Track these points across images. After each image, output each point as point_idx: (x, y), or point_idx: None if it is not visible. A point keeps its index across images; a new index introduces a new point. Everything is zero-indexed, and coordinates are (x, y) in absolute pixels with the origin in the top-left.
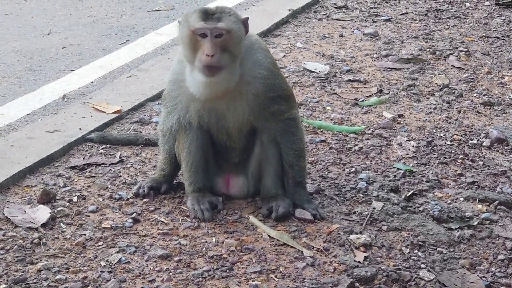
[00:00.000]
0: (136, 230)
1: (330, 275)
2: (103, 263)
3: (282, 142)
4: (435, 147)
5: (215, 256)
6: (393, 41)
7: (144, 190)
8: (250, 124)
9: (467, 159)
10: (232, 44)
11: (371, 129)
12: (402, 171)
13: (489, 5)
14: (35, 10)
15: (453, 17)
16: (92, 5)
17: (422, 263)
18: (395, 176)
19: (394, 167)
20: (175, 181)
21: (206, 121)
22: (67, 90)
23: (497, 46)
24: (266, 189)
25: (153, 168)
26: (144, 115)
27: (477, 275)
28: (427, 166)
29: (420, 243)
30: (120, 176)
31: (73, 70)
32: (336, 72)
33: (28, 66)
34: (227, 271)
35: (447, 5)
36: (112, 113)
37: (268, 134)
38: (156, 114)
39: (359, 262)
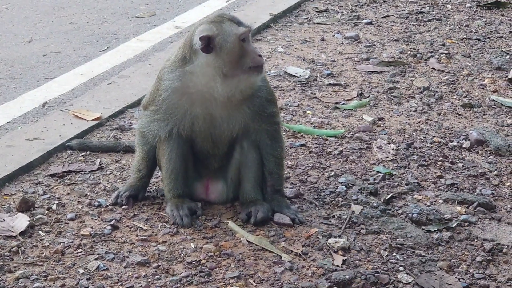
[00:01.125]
0: (115, 237)
1: (308, 279)
2: (81, 271)
3: (265, 148)
4: (415, 149)
5: (193, 262)
6: (374, 44)
7: (122, 200)
8: (242, 130)
9: (447, 161)
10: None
11: (351, 133)
12: (382, 174)
13: (470, 7)
14: (16, 18)
15: (434, 20)
16: (73, 12)
17: (400, 265)
18: (374, 179)
19: (373, 170)
20: (154, 187)
21: (198, 129)
22: (48, 98)
23: (478, 48)
24: (245, 194)
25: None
26: (125, 121)
27: (455, 277)
28: (406, 169)
29: (398, 246)
30: (100, 183)
31: (53, 78)
32: (317, 76)
33: (9, 74)
34: (206, 276)
35: (428, 8)
36: (92, 120)
37: (249, 140)
38: (136, 120)
39: (338, 265)
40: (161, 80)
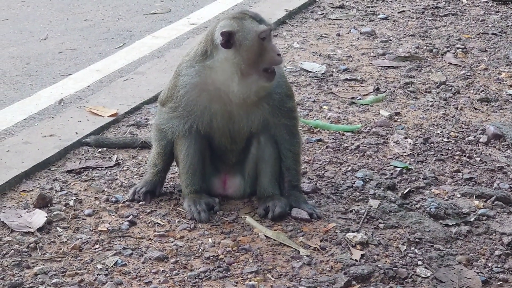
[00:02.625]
0: (132, 232)
1: (326, 274)
2: (99, 266)
3: (283, 143)
4: (432, 144)
5: (211, 257)
6: (390, 40)
7: (140, 196)
8: (262, 125)
9: (464, 156)
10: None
11: (368, 128)
12: (399, 169)
13: (486, 1)
14: (31, 16)
15: (450, 14)
16: (88, 10)
17: (419, 260)
18: (391, 174)
19: (391, 165)
20: (171, 183)
21: (216, 126)
22: (64, 95)
23: (494, 43)
24: (262, 189)
25: None
26: (141, 118)
27: (474, 271)
28: (424, 164)
29: (417, 240)
30: (117, 179)
31: (69, 75)
32: (333, 72)
33: (25, 72)
34: (224, 271)
35: (444, 3)
36: (109, 116)
37: (267, 135)
38: (152, 116)
39: (356, 260)
40: (179, 75)
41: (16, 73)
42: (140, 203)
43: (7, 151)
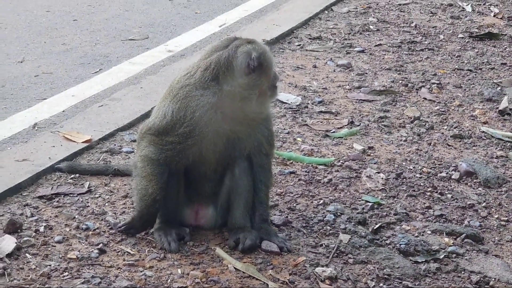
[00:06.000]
0: (102, 261)
1: None
2: None
3: (259, 176)
4: (404, 179)
5: None
6: (366, 73)
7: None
8: (255, 149)
9: (436, 192)
10: None
11: (341, 161)
12: (371, 204)
13: (462, 37)
14: (9, 38)
15: (426, 49)
16: (66, 33)
17: None
18: (363, 208)
19: (362, 200)
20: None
21: (213, 150)
22: (38, 119)
23: (469, 79)
24: (234, 220)
25: (121, 199)
26: (115, 145)
27: None
28: (395, 199)
29: (385, 276)
30: (88, 206)
31: (44, 99)
32: (308, 103)
33: (0, 94)
34: None
35: (421, 37)
36: (82, 142)
37: (242, 166)
38: (126, 144)
39: None
40: (187, 97)
41: None
42: (111, 231)
43: None
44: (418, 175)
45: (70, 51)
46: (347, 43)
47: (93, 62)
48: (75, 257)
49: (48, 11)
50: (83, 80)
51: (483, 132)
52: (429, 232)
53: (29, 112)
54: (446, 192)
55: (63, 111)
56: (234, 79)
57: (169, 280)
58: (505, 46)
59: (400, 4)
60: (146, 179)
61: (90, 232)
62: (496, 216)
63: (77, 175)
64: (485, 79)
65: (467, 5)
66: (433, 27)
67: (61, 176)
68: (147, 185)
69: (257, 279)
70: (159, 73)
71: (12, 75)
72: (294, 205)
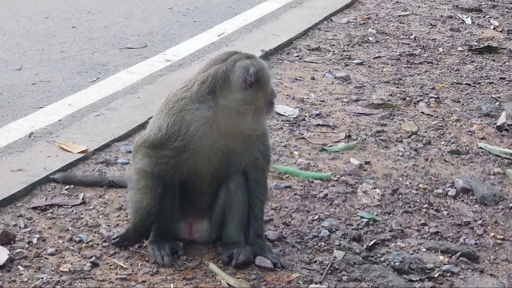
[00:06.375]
0: (94, 274)
1: None
2: None
3: (254, 191)
4: (400, 195)
5: None
6: (364, 86)
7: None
8: (251, 164)
9: (432, 209)
10: None
11: (337, 176)
12: (366, 220)
13: (462, 50)
14: (7, 44)
15: (425, 62)
16: (65, 41)
17: None
18: (358, 224)
19: (358, 215)
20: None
21: (208, 164)
22: (34, 128)
23: (468, 93)
24: (228, 235)
25: (115, 211)
26: (110, 155)
27: None
28: (391, 215)
29: None
30: (82, 218)
31: (41, 107)
32: (305, 116)
33: None
34: None
35: (420, 50)
36: (78, 152)
37: (237, 181)
38: (122, 155)
39: None
40: (183, 111)
41: None
42: (104, 244)
43: None
44: (414, 191)
45: (68, 59)
46: (346, 55)
47: (90, 70)
48: (67, 270)
49: (47, 17)
50: (80, 88)
51: (481, 148)
52: (424, 249)
53: (25, 121)
54: (442, 209)
55: (60, 120)
56: (230, 94)
57: None
58: (504, 60)
59: (399, 16)
60: (140, 191)
61: (83, 245)
62: (492, 234)
63: (72, 186)
64: (484, 94)
65: (467, 17)
66: (433, 39)
67: (55, 187)
68: (141, 197)
69: None
70: (156, 82)
71: (10, 83)
72: (289, 220)
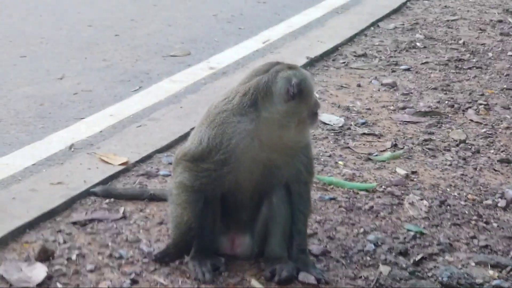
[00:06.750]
0: None
1: None
2: None
3: (298, 204)
4: (448, 207)
5: None
6: (411, 92)
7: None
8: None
9: (481, 221)
10: None
11: (383, 187)
12: (413, 233)
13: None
14: (49, 53)
15: (474, 68)
16: (107, 49)
17: None
18: (405, 238)
19: (404, 228)
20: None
21: (250, 178)
22: (75, 139)
23: None
24: (270, 250)
25: (156, 225)
26: (152, 167)
27: None
28: (438, 228)
29: None
30: (122, 233)
31: (82, 118)
32: (351, 125)
33: (38, 113)
34: None
35: (469, 55)
36: (119, 165)
37: (279, 194)
38: (163, 166)
39: None
40: (223, 124)
41: (29, 114)
42: (144, 260)
43: (13, 198)
44: (462, 202)
45: (110, 67)
46: (393, 61)
47: (133, 79)
48: (106, 287)
49: (90, 25)
50: (122, 98)
51: None
52: (473, 264)
53: (66, 132)
54: (492, 221)
55: (101, 131)
56: (272, 106)
57: None
58: None
59: (448, 20)
60: (181, 206)
61: (123, 261)
62: None
63: (112, 199)
64: None
65: None
66: (482, 44)
67: (95, 201)
68: (182, 212)
69: None
70: (199, 91)
71: (51, 93)
72: (334, 233)
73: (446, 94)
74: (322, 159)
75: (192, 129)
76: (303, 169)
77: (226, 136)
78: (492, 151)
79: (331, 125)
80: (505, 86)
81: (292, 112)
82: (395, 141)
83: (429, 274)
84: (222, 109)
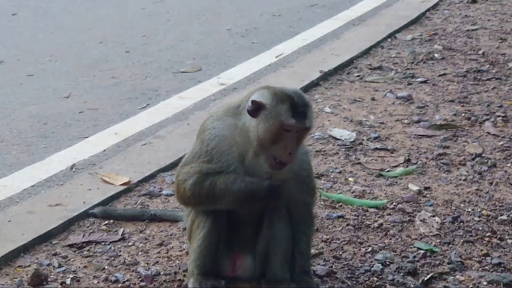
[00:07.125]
0: None
1: None
2: None
3: (299, 225)
4: (462, 223)
5: None
6: (427, 105)
7: None
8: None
9: (495, 237)
10: (304, 139)
11: (394, 203)
12: (423, 251)
13: None
14: (57, 72)
15: (493, 79)
16: (117, 66)
17: None
18: (414, 256)
19: (414, 247)
20: (177, 261)
21: None
22: (77, 159)
23: None
24: (272, 272)
25: (156, 247)
26: (155, 187)
27: None
28: (450, 245)
29: None
30: (120, 255)
31: (86, 137)
32: (363, 140)
33: (41, 133)
34: None
35: (488, 66)
36: (120, 185)
37: (280, 214)
38: (167, 186)
39: None
40: (205, 130)
41: (32, 134)
42: (141, 284)
43: (9, 221)
44: (476, 218)
45: (118, 85)
46: (409, 73)
47: (141, 96)
48: None
49: (101, 42)
50: (129, 116)
51: None
52: (485, 283)
53: (68, 152)
54: (507, 237)
55: (104, 150)
56: (244, 117)
57: None
58: None
59: (468, 30)
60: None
61: (119, 285)
62: None
63: (112, 221)
64: None
65: None
66: (502, 54)
67: (94, 222)
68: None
69: None
70: (208, 108)
71: (56, 112)
72: (340, 253)
73: (463, 106)
74: (331, 176)
75: None
76: (302, 189)
77: (213, 140)
78: (509, 164)
79: (342, 140)
80: None
81: (252, 130)
82: (408, 156)
83: None
84: (207, 117)
